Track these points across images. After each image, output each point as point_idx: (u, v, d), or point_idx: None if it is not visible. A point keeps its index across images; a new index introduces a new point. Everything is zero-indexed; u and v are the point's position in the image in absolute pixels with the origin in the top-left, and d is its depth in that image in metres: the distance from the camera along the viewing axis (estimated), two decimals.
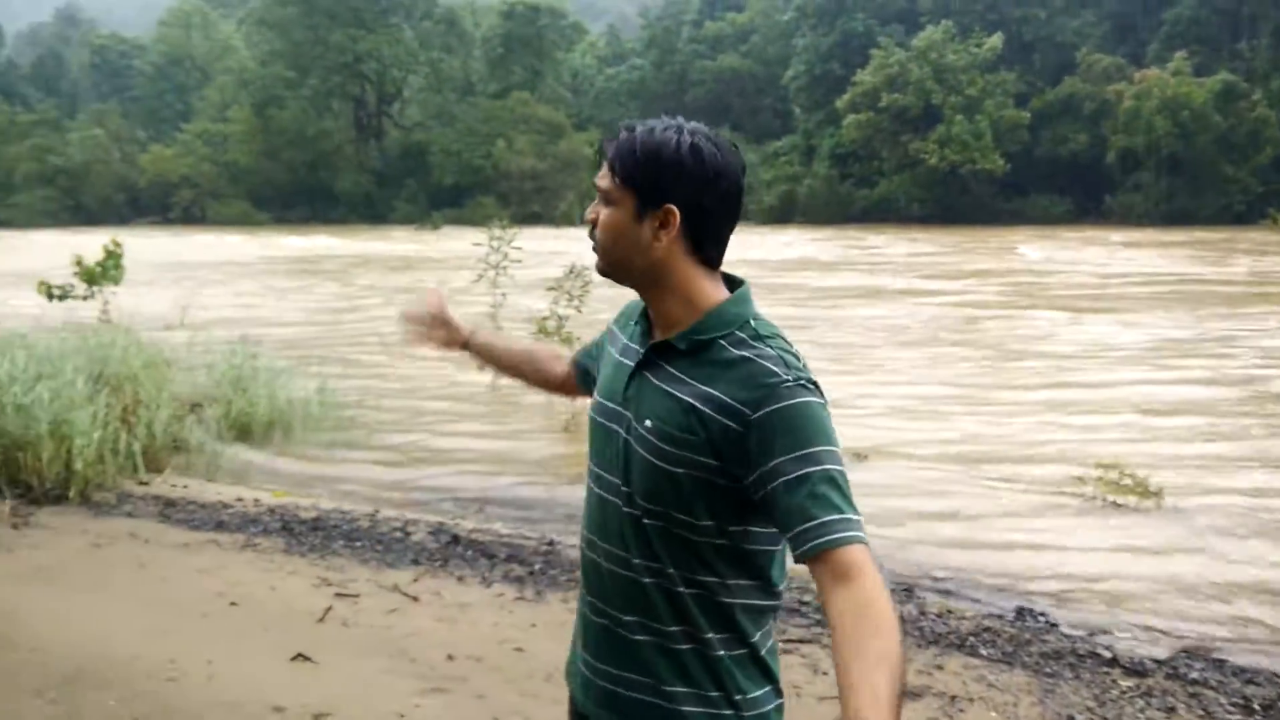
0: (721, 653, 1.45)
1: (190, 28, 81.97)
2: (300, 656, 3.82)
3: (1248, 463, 7.40)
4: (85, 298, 13.26)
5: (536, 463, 7.46)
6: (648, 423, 1.44)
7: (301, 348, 12.05)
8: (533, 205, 55.75)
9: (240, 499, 6.28)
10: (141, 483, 6.49)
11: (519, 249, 8.85)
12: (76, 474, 5.99)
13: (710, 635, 1.45)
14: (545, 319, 8.45)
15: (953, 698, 3.64)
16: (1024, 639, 4.28)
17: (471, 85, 71.52)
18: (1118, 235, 38.72)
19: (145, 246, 32.48)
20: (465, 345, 1.99)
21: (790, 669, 3.71)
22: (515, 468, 7.34)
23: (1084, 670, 3.96)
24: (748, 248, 34.27)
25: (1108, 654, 4.14)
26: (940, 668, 3.93)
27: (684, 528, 1.43)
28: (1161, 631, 4.52)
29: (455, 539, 5.44)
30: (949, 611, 4.61)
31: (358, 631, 4.13)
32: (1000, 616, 4.60)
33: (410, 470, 7.33)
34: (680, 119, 1.46)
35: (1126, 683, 3.85)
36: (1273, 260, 27.57)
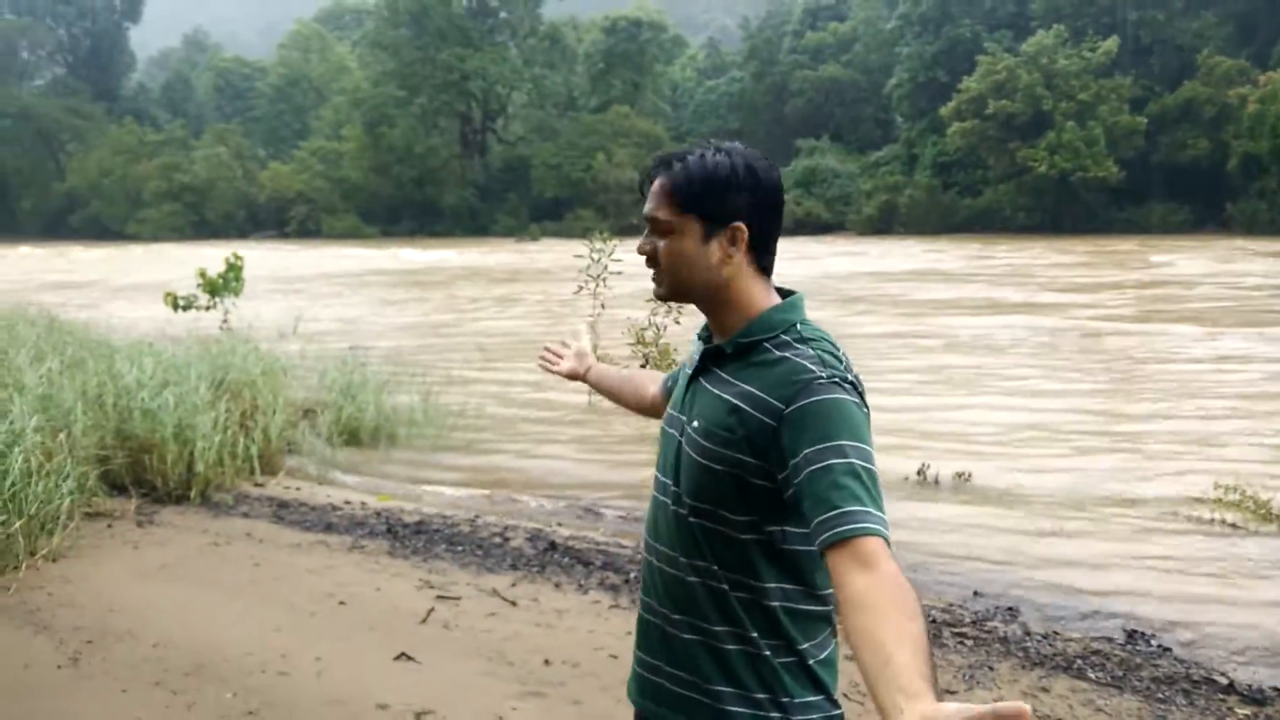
0: (768, 655, 1.47)
1: (308, 50, 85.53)
2: (404, 656, 3.95)
3: None
4: (208, 308, 13.97)
5: (630, 475, 7.51)
6: (695, 423, 1.52)
7: (406, 358, 12.39)
8: (631, 217, 56.10)
9: (348, 502, 6.50)
10: (257, 484, 6.78)
11: (619, 260, 8.93)
12: (198, 475, 6.32)
13: (756, 637, 1.48)
14: (644, 329, 8.56)
15: None
16: (1135, 663, 4.11)
17: (573, 100, 72.63)
18: (1254, 244, 36.76)
19: (263, 259, 33.93)
20: (583, 377, 2.24)
21: None
22: (610, 479, 7.40)
23: (1198, 697, 3.79)
24: (856, 259, 33.79)
25: (1224, 680, 3.96)
26: (1046, 690, 3.81)
27: (726, 525, 1.47)
28: None
29: (552, 545, 5.53)
30: (1055, 633, 4.47)
31: (458, 634, 4.24)
32: (1110, 639, 4.44)
33: (508, 479, 7.46)
34: (714, 141, 1.55)
35: (1244, 711, 3.67)
36: None
